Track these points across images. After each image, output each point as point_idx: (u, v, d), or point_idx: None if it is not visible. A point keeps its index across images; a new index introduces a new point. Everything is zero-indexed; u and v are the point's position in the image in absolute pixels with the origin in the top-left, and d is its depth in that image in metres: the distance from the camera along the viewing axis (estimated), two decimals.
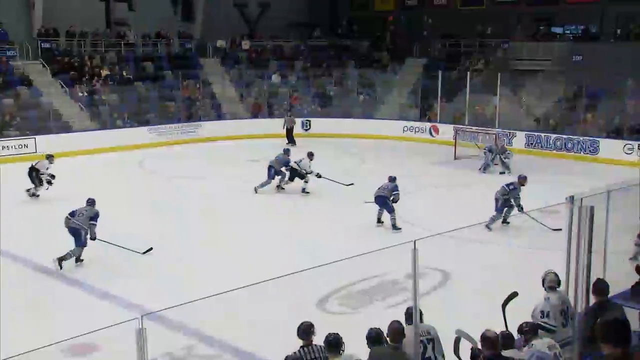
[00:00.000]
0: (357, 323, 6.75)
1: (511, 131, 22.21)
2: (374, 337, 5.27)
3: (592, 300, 6.05)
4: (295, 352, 5.43)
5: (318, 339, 5.52)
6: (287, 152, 16.38)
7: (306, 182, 15.63)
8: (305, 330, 5.52)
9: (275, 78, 27.81)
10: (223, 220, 13.50)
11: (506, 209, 12.53)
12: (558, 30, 26.67)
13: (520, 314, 6.14)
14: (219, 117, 25.88)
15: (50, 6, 25.32)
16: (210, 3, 29.89)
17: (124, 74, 25.28)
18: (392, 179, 12.96)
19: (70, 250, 10.30)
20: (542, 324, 6.13)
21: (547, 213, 10.09)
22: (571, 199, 5.89)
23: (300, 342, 5.50)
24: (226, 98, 26.66)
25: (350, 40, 30.90)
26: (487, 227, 12.11)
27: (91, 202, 10.75)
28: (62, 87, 23.55)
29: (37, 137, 20.64)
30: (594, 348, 4.23)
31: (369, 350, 5.27)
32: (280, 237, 12.25)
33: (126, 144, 21.99)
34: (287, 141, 23.19)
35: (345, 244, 10.45)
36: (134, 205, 14.59)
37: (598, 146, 20.42)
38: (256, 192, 15.64)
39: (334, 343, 5.24)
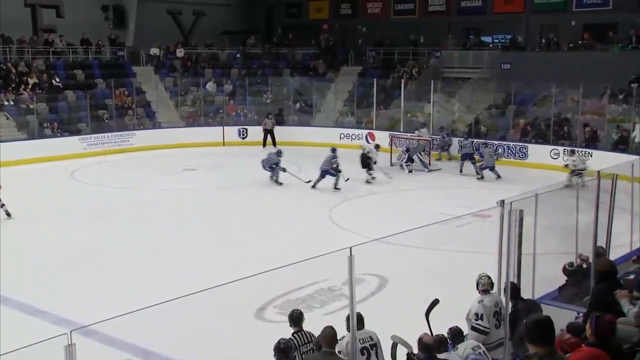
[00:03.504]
0: None
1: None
2: (282, 348, 5.30)
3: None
4: (289, 338, 5.68)
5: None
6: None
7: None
8: (297, 318, 5.97)
9: (211, 86, 27.51)
10: (157, 230, 13.24)
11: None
12: (487, 39, 27.50)
13: (454, 317, 6.26)
14: (154, 125, 25.45)
15: None
16: (143, 10, 29.34)
17: (53, 81, 24.49)
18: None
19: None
20: (476, 325, 6.27)
21: (479, 217, 10.36)
22: (502, 202, 6.08)
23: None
24: (160, 106, 26.18)
25: (286, 48, 30.94)
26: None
27: (278, 152, 17.38)
28: None
29: None
30: (524, 348, 4.36)
31: None
32: (215, 245, 12.14)
33: (56, 154, 21.28)
34: (262, 146, 23.38)
35: (280, 251, 10.42)
36: (66, 217, 14.16)
37: (527, 151, 21.10)
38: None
39: (284, 348, 5.28)
